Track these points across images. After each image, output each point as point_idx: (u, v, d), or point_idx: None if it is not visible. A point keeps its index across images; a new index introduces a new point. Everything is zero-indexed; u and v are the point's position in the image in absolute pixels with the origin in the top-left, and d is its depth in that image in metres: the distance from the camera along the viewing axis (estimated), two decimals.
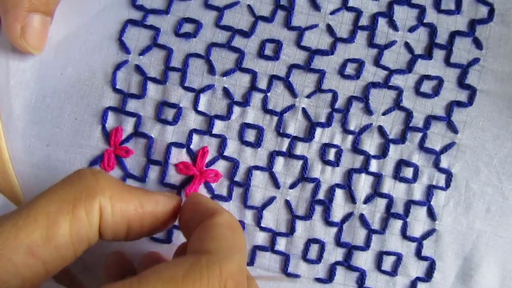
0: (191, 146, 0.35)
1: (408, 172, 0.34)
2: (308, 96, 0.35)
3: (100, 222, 0.27)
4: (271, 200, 0.35)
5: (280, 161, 0.35)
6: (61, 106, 0.35)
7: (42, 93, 0.35)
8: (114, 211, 0.27)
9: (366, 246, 0.34)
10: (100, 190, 0.27)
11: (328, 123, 0.35)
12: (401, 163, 0.34)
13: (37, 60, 0.35)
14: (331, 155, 0.35)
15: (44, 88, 0.35)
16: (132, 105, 0.35)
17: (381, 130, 0.35)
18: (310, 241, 0.34)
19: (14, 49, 0.35)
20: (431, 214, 0.34)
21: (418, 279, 0.34)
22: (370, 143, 0.35)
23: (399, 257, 0.34)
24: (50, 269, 0.25)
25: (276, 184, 0.35)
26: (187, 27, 0.35)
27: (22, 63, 0.35)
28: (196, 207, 0.30)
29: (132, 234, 0.29)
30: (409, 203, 0.34)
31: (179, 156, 0.35)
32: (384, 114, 0.35)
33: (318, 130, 0.35)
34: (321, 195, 0.35)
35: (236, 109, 0.35)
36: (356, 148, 0.35)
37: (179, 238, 0.35)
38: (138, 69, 0.35)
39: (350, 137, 0.35)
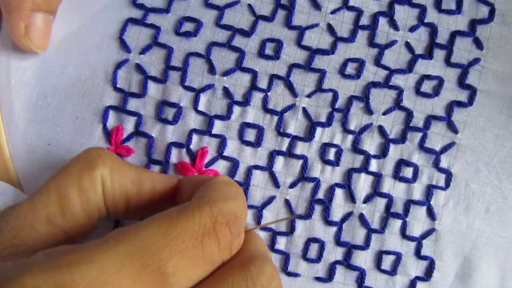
0: (191, 146, 0.35)
1: (408, 172, 0.35)
2: (309, 96, 0.35)
3: (102, 193, 0.29)
4: (271, 199, 0.35)
5: (280, 161, 0.35)
6: (62, 105, 0.35)
7: (43, 92, 0.35)
8: (113, 183, 0.29)
9: (366, 245, 0.34)
10: (101, 161, 0.29)
11: (328, 122, 0.35)
12: (401, 163, 0.34)
13: (38, 59, 0.35)
14: (331, 154, 0.35)
15: (45, 87, 0.35)
16: (132, 104, 0.35)
17: (381, 129, 0.35)
18: (310, 240, 0.35)
19: (15, 48, 0.35)
20: (431, 214, 0.34)
21: (417, 278, 0.34)
22: (370, 143, 0.35)
23: (398, 257, 0.34)
24: (72, 236, 0.28)
25: (276, 183, 0.35)
26: (188, 26, 0.35)
27: (23, 62, 0.35)
28: (195, 180, 0.30)
29: (131, 211, 0.30)
30: (409, 203, 0.34)
31: (179, 156, 0.35)
32: (384, 113, 0.35)
33: (318, 130, 0.35)
34: (321, 195, 0.35)
35: (236, 109, 0.35)
36: (356, 148, 0.35)
37: None
38: (139, 68, 0.35)
39: (350, 137, 0.35)
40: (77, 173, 0.28)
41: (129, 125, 0.35)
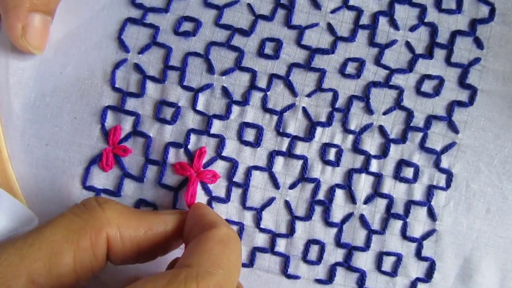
0: (189, 146, 0.35)
1: (408, 172, 0.34)
2: (309, 95, 0.35)
3: (108, 251, 0.27)
4: (270, 200, 0.34)
5: (279, 161, 0.35)
6: (60, 105, 0.35)
7: (42, 92, 0.35)
8: (124, 239, 0.28)
9: (366, 246, 0.34)
10: (107, 220, 0.27)
11: (328, 122, 0.34)
12: (402, 163, 0.34)
13: (36, 59, 0.35)
14: (331, 155, 0.34)
15: (44, 87, 0.35)
16: (131, 104, 0.35)
17: (381, 129, 0.34)
18: (310, 242, 0.34)
19: (14, 48, 0.35)
20: (431, 215, 0.34)
21: (418, 279, 0.34)
22: (371, 143, 0.34)
23: (399, 258, 0.34)
24: None
25: (275, 184, 0.34)
26: (187, 26, 0.35)
27: (22, 62, 0.35)
28: (198, 219, 0.30)
29: (144, 256, 0.29)
30: (409, 203, 0.34)
31: (177, 156, 0.35)
32: (384, 113, 0.34)
33: (319, 130, 0.34)
34: (321, 196, 0.34)
35: (235, 109, 0.35)
36: (356, 148, 0.34)
37: None
38: (137, 67, 0.35)
39: (350, 137, 0.34)
40: (77, 231, 0.26)
41: (127, 125, 0.35)
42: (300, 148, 0.34)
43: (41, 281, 0.25)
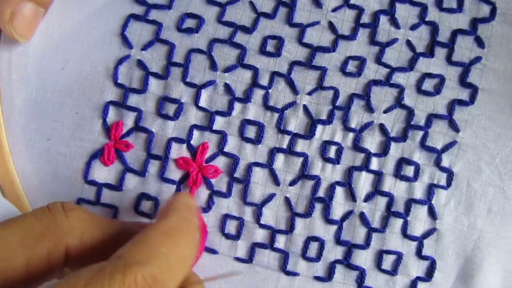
0: (192, 142, 0.35)
1: (409, 171, 0.34)
2: (309, 93, 0.35)
3: (66, 259, 0.26)
4: (270, 197, 0.34)
5: (280, 158, 0.35)
6: (61, 101, 0.35)
7: (43, 88, 0.35)
8: (85, 249, 0.26)
9: (366, 244, 0.34)
10: (69, 229, 0.26)
11: (329, 120, 0.35)
12: (402, 162, 0.34)
13: (38, 55, 0.35)
14: (332, 152, 0.35)
15: (45, 82, 0.35)
16: (133, 100, 0.35)
17: (382, 128, 0.34)
18: (309, 239, 0.34)
19: (17, 44, 0.35)
20: (432, 213, 0.34)
21: (418, 278, 0.34)
22: (371, 141, 0.34)
23: (399, 256, 0.34)
24: None
25: (276, 181, 0.34)
26: (190, 23, 0.35)
27: (24, 58, 0.35)
28: (160, 211, 0.29)
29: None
30: (410, 202, 0.34)
31: (179, 151, 0.35)
32: (385, 112, 0.35)
33: (319, 127, 0.35)
34: (321, 193, 0.34)
35: (237, 105, 0.35)
36: (357, 146, 0.34)
37: None
38: (140, 64, 0.35)
39: (351, 135, 0.35)
40: (35, 237, 0.24)
41: (129, 120, 0.35)
42: (301, 146, 0.35)
43: None
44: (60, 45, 0.36)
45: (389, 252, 0.34)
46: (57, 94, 0.35)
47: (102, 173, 0.35)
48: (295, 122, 0.35)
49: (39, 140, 0.35)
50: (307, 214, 0.34)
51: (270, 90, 0.35)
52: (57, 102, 0.35)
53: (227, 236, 0.34)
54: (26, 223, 0.25)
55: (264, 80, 0.35)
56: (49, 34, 0.35)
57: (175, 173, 0.35)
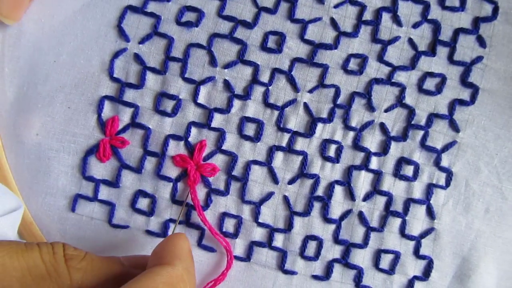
0: (189, 139, 0.34)
1: (408, 170, 0.34)
2: (310, 91, 0.34)
3: None
4: (269, 195, 0.34)
5: (279, 156, 0.34)
6: (52, 95, 0.34)
7: (34, 81, 0.34)
8: None
9: (364, 243, 0.34)
10: (69, 281, 0.26)
11: (329, 118, 0.34)
12: (402, 161, 0.34)
13: (30, 47, 0.34)
14: (332, 151, 0.34)
15: (37, 75, 0.34)
16: (129, 95, 0.34)
17: (382, 127, 0.34)
18: (307, 238, 0.34)
19: (10, 36, 0.34)
20: (430, 213, 0.34)
21: (415, 278, 0.34)
22: (371, 140, 0.34)
23: (397, 256, 0.34)
24: None
25: (274, 179, 0.34)
26: (189, 16, 0.34)
27: (17, 51, 0.34)
28: (160, 251, 0.28)
29: None
30: (409, 201, 0.34)
31: (177, 148, 0.34)
32: (386, 111, 0.34)
33: (319, 126, 0.34)
34: (320, 192, 0.34)
35: (236, 102, 0.34)
36: (357, 145, 0.34)
37: (176, 231, 0.34)
38: (137, 58, 0.34)
39: (351, 134, 0.34)
40: (37, 280, 0.25)
41: (125, 116, 0.34)
42: (300, 144, 0.34)
43: None
44: (52, 37, 0.34)
45: (387, 251, 0.34)
46: (48, 88, 0.34)
47: (99, 169, 0.34)
48: (295, 120, 0.34)
49: (28, 135, 0.34)
50: (306, 213, 0.34)
51: (270, 87, 0.34)
52: (47, 96, 0.34)
53: (225, 235, 0.34)
54: (32, 261, 0.25)
55: (264, 77, 0.34)
56: (42, 26, 0.34)
57: (172, 171, 0.34)
